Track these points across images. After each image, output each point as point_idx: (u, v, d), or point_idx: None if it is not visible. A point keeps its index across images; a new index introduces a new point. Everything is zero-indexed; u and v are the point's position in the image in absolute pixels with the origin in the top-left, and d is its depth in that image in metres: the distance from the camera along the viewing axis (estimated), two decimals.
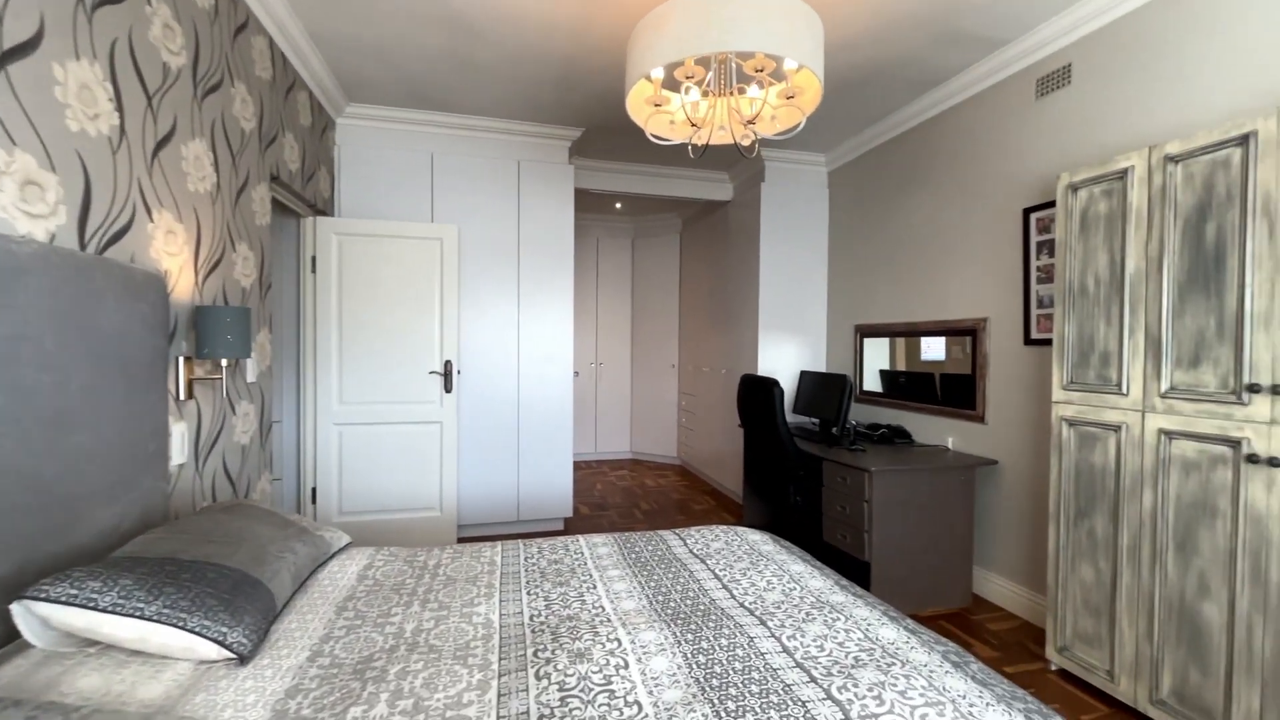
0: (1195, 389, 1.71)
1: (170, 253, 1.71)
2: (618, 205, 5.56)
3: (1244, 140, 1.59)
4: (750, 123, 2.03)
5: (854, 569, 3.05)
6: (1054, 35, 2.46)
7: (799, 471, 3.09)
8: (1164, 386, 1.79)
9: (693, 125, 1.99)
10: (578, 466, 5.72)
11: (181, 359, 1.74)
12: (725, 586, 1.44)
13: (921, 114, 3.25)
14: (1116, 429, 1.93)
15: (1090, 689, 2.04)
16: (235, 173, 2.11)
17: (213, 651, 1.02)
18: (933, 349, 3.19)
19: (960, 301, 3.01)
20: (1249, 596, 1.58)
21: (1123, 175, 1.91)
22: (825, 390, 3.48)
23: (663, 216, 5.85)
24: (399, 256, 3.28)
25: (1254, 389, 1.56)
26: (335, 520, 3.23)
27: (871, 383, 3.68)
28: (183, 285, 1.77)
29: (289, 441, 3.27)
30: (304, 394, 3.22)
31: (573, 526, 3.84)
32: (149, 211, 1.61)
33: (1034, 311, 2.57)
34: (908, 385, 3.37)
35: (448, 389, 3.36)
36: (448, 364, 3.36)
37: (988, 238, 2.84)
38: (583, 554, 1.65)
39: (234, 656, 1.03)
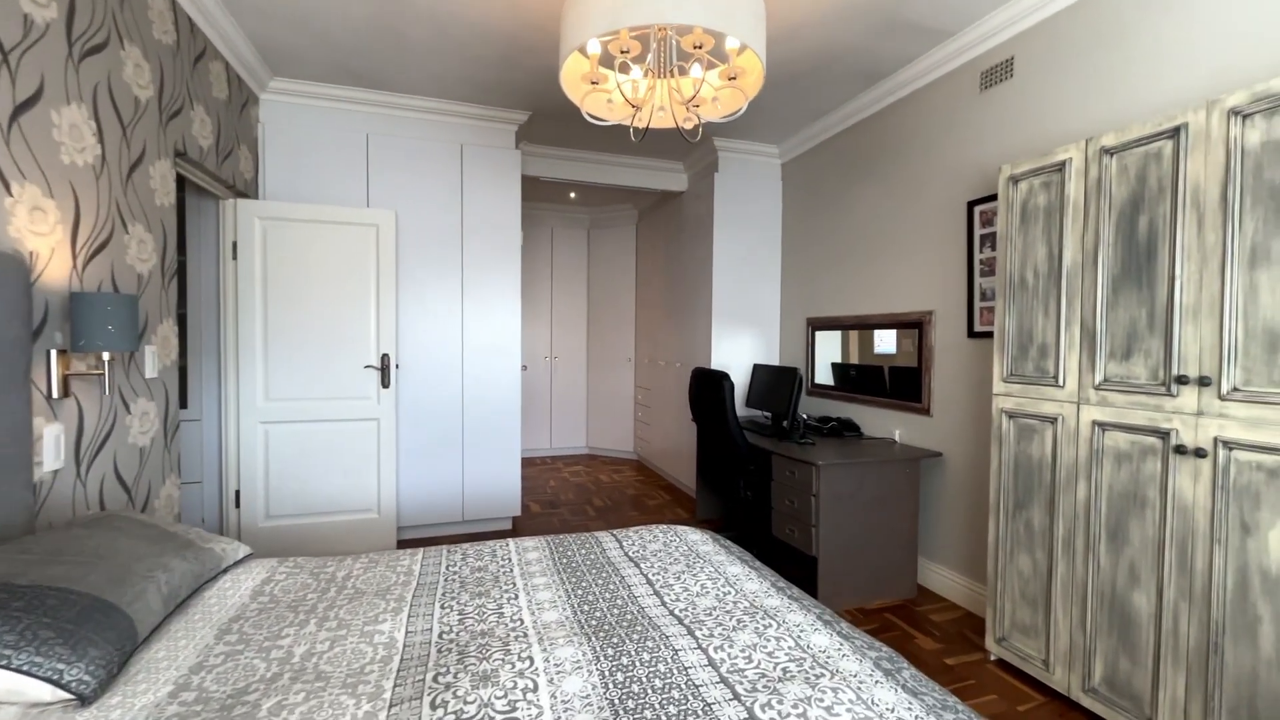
0: (1127, 381, 1.72)
1: (38, 232, 1.51)
2: (572, 195, 5.41)
3: (1175, 133, 1.59)
4: (692, 104, 1.94)
5: (802, 564, 3.03)
6: (997, 28, 2.46)
7: (749, 466, 3.05)
8: (1098, 378, 1.80)
9: (632, 107, 1.89)
10: (532, 463, 5.58)
11: (54, 352, 1.55)
12: (657, 592, 1.36)
13: (871, 106, 3.23)
14: (1053, 421, 1.93)
15: (1027, 679, 2.06)
16: (127, 145, 1.90)
17: (45, 693, 0.87)
18: (883, 342, 3.19)
19: (907, 294, 3.01)
20: (1176, 585, 1.60)
21: (1060, 167, 1.91)
22: (777, 384, 3.45)
23: (618, 207, 5.74)
24: (330, 244, 3.08)
25: (1182, 380, 1.57)
26: (261, 525, 3.02)
27: (823, 376, 3.68)
28: (55, 269, 1.58)
29: (211, 442, 3.04)
30: (224, 390, 2.99)
31: (522, 526, 3.72)
32: (6, 185, 1.41)
33: (977, 305, 2.58)
34: (858, 378, 3.37)
35: (385, 384, 3.18)
36: (384, 358, 3.17)
37: (934, 230, 2.84)
38: (510, 560, 1.54)
39: (72, 697, 0.89)
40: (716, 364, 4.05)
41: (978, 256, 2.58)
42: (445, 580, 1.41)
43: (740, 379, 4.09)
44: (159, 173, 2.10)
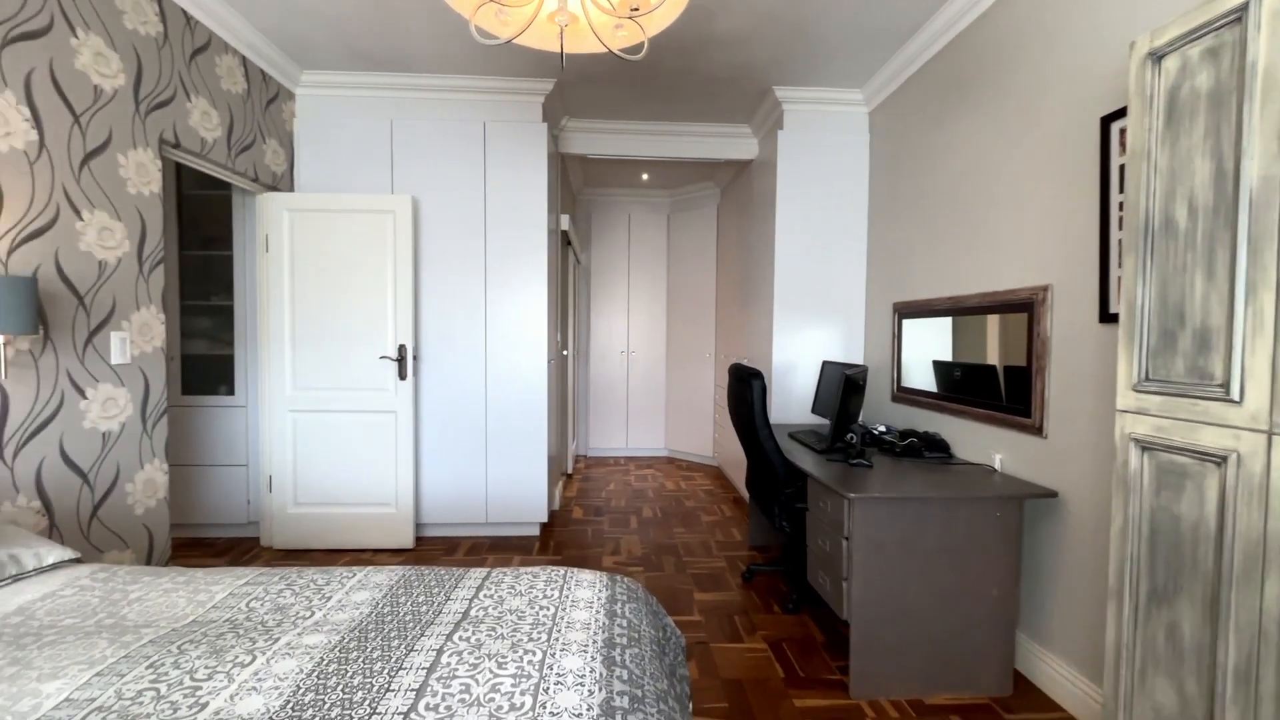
0: None
1: None
2: (644, 176, 5.02)
3: None
4: (632, 9, 1.45)
5: (837, 627, 2.34)
6: None
7: (786, 489, 2.42)
8: None
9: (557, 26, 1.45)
10: (603, 463, 5.30)
11: None
12: (425, 688, 0.92)
13: (970, 9, 2.38)
14: (1221, 461, 1.11)
15: None
16: (81, 132, 1.92)
17: None
18: (982, 332, 2.33)
19: (1014, 265, 2.15)
20: None
21: (1238, 15, 1.08)
22: (839, 385, 2.74)
23: (698, 187, 5.21)
24: (349, 232, 3.05)
25: None
26: (290, 511, 3.09)
27: (915, 376, 2.85)
28: None
29: (255, 427, 3.19)
30: (261, 379, 3.10)
31: (550, 532, 3.43)
32: None
33: (1113, 273, 1.70)
34: (952, 380, 2.53)
35: (402, 376, 3.08)
36: (401, 348, 3.07)
37: (1053, 168, 1.97)
38: (310, 602, 1.21)
39: None
40: (778, 361, 3.39)
41: (1115, 200, 1.69)
42: (205, 623, 1.12)
43: (807, 378, 3.38)
44: (134, 161, 2.13)
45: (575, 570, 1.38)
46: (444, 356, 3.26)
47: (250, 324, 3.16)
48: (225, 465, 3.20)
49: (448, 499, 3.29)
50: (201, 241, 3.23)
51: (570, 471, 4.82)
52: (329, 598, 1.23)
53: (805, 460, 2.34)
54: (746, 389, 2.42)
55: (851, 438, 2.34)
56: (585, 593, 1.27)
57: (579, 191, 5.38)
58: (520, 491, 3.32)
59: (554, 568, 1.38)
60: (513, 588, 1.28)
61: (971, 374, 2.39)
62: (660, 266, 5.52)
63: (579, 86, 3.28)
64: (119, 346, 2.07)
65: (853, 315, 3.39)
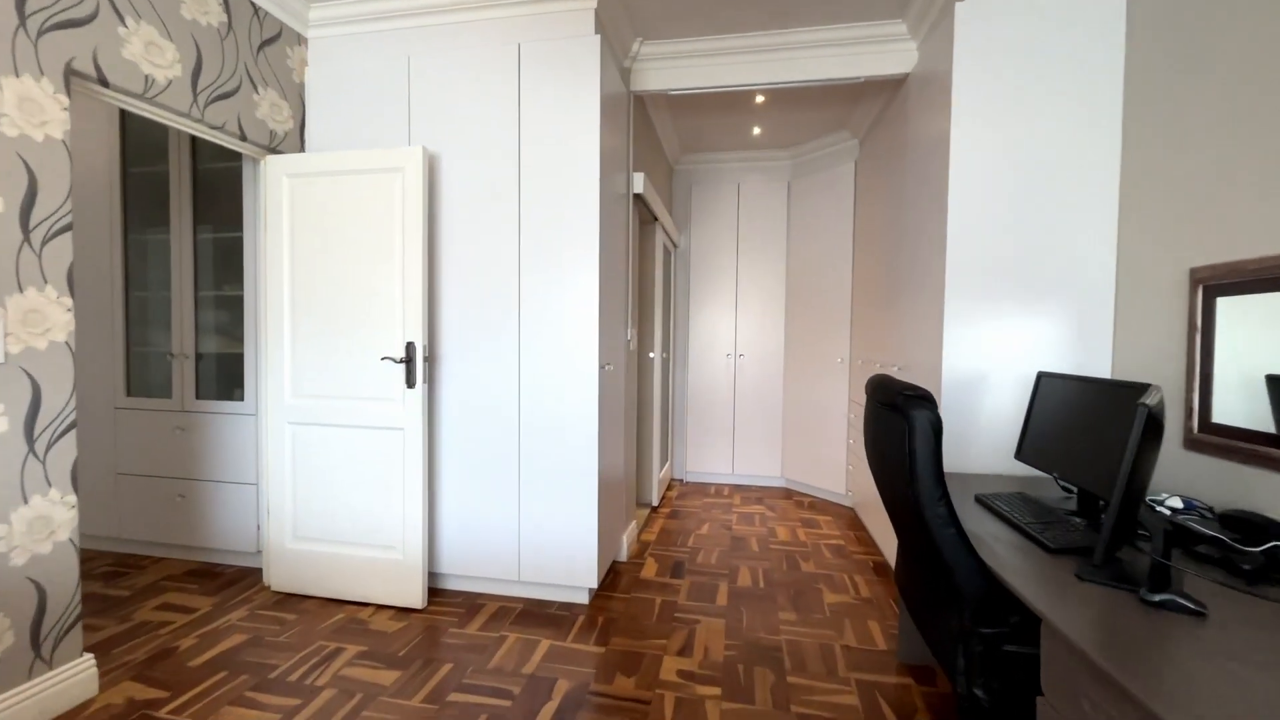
0: None
1: None
2: (756, 130, 3.92)
3: None
4: None
5: None
6: None
7: (978, 619, 1.25)
8: None
9: None
10: (703, 491, 4.27)
11: None
12: None
13: None
14: None
15: None
16: None
17: None
18: None
19: None
20: None
21: None
22: (1094, 418, 1.49)
23: (830, 140, 3.98)
24: (354, 200, 2.40)
25: None
26: (289, 546, 2.51)
27: (1239, 404, 1.49)
28: None
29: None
30: (260, 383, 2.57)
31: (609, 602, 2.50)
32: None
33: None
34: None
35: (410, 383, 2.36)
36: (409, 347, 2.35)
37: None
38: None
39: None
40: (950, 370, 2.14)
41: None
42: None
43: (1008, 396, 2.09)
44: (14, 93, 1.59)
45: None
46: (465, 359, 2.49)
47: (256, 317, 2.66)
48: (236, 482, 2.73)
49: (470, 545, 2.51)
50: (218, 222, 2.81)
51: (657, 503, 3.87)
52: None
53: (1023, 568, 1.16)
54: (899, 421, 1.29)
55: (1148, 541, 1.11)
56: None
57: (675, 161, 4.43)
58: (562, 544, 2.44)
59: None
60: None
61: None
62: (777, 248, 4.37)
63: None
64: None
65: (1090, 295, 2.03)
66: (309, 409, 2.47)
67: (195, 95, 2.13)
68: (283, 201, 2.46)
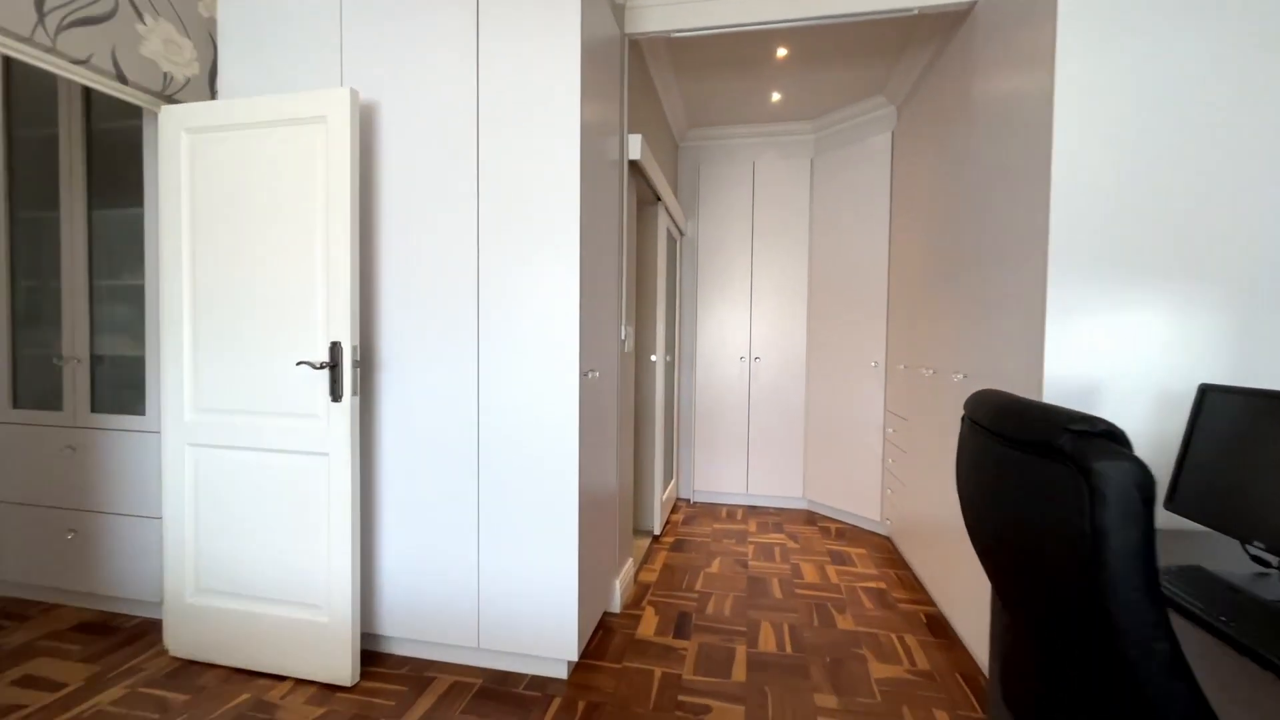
0: None
1: None
2: (775, 96, 3.37)
3: None
4: None
5: None
6: None
7: None
8: None
9: None
10: (713, 513, 3.71)
11: None
12: None
13: None
14: None
15: None
16: None
17: None
18: None
19: None
20: None
21: None
22: None
23: (862, 106, 3.42)
24: (264, 160, 1.87)
25: None
26: (189, 600, 1.98)
27: None
28: None
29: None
30: (160, 393, 2.05)
31: (593, 674, 1.95)
32: None
33: None
34: None
35: (335, 395, 1.83)
36: (335, 349, 1.82)
37: None
38: None
39: None
40: (1054, 378, 1.57)
41: None
42: None
43: (1143, 422, 1.52)
44: None
45: None
46: (410, 364, 1.95)
47: (153, 312, 2.14)
48: (137, 515, 2.22)
49: (417, 602, 1.97)
50: (118, 196, 2.30)
51: (659, 531, 3.32)
52: None
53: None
54: (1062, 476, 0.73)
55: None
56: None
57: (681, 137, 3.89)
58: (534, 600, 1.89)
59: None
60: None
61: None
62: (799, 233, 3.81)
63: None
64: None
65: (1270, 279, 1.46)
66: (213, 427, 1.95)
67: (42, 14, 1.61)
68: (180, 164, 1.94)
